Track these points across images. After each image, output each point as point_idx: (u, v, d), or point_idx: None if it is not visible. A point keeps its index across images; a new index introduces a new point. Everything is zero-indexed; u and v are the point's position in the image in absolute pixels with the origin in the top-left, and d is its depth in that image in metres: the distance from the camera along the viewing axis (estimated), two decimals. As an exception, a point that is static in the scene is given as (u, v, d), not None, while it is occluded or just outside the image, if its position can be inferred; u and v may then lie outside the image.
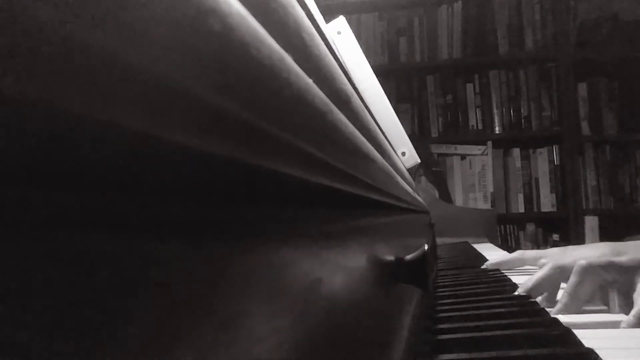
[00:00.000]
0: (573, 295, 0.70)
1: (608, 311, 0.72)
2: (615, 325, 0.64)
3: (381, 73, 1.69)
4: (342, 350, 0.22)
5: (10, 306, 0.06)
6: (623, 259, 0.69)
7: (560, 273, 0.74)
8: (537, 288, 0.76)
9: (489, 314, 0.63)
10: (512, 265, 1.05)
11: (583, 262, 0.71)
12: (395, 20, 2.56)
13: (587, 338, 0.50)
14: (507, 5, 2.51)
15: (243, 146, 0.11)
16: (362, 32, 2.51)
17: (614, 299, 0.71)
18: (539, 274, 0.76)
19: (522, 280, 0.83)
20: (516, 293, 0.75)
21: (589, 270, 0.70)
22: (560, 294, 0.75)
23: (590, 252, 0.76)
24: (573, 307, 0.69)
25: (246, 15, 0.12)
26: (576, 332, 0.52)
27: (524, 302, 0.68)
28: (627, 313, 0.65)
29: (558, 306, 0.71)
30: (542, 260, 0.81)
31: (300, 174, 0.16)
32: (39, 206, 0.07)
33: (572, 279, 0.70)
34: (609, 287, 0.73)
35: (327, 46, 0.28)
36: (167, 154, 0.09)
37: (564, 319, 0.63)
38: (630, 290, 0.67)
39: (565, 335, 0.50)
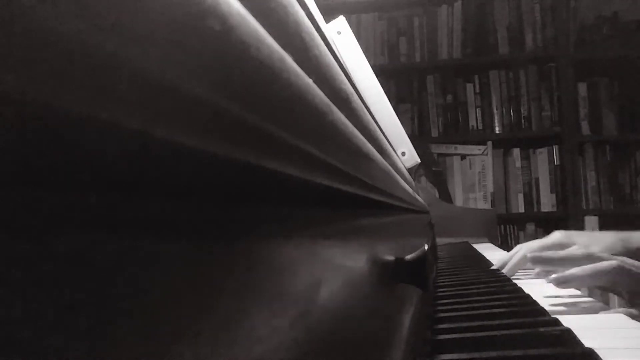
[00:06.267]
0: (591, 275, 0.70)
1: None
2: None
3: (381, 73, 1.69)
4: (341, 351, 0.22)
5: (10, 306, 0.06)
6: None
7: (588, 260, 0.75)
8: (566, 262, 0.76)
9: (489, 313, 0.63)
10: (519, 268, 1.00)
11: (615, 262, 0.72)
12: (395, 20, 2.56)
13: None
14: (507, 5, 2.51)
15: (243, 146, 0.11)
16: (362, 32, 2.51)
17: (614, 300, 0.73)
18: (574, 253, 0.77)
19: (522, 282, 0.83)
20: (554, 276, 0.74)
21: (619, 271, 0.72)
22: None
23: (600, 242, 0.77)
24: (573, 285, 0.70)
25: (246, 15, 0.12)
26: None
27: (524, 302, 0.68)
28: (625, 312, 0.66)
29: (564, 274, 0.72)
30: (574, 247, 0.82)
31: (300, 174, 0.16)
32: (39, 206, 0.07)
33: (600, 267, 0.71)
34: (617, 289, 0.74)
35: (327, 46, 0.28)
36: (168, 154, 0.09)
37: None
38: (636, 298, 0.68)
39: (565, 335, 0.50)
